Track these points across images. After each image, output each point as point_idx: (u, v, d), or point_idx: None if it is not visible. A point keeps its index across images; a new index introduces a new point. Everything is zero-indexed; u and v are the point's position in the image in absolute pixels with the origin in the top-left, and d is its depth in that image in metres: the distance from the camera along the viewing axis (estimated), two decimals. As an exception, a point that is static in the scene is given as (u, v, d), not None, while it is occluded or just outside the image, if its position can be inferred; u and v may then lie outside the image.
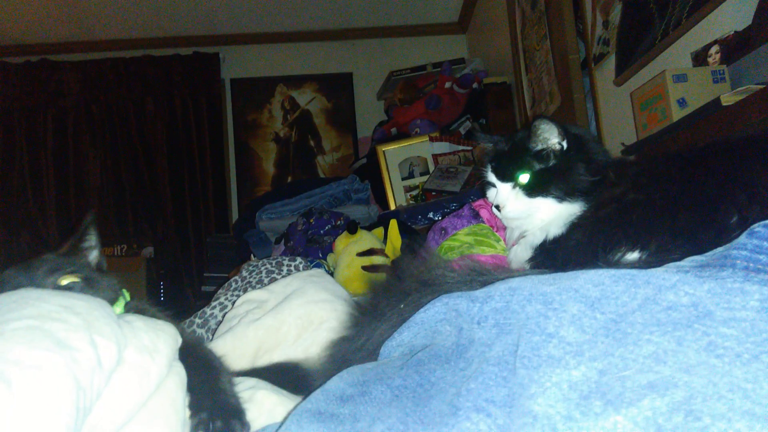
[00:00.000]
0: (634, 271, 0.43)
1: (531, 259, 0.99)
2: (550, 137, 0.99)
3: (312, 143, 4.33)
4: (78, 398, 0.46)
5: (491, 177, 1.05)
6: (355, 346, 0.78)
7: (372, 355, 0.71)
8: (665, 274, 0.42)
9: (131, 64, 4.15)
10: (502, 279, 0.63)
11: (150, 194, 4.06)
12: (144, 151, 4.08)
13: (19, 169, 4.03)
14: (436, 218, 2.23)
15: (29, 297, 0.54)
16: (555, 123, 0.99)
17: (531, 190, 0.99)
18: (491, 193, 1.07)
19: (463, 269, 0.74)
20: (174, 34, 4.16)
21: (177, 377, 0.64)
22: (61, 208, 4.01)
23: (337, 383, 0.61)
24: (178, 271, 3.93)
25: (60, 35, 4.07)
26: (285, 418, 0.57)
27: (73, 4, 3.72)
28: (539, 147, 1.00)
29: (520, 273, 0.79)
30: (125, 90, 4.12)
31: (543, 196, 0.98)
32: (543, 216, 0.99)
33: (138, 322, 0.60)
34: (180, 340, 0.63)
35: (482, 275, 0.71)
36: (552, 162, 0.99)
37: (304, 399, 0.61)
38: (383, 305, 0.78)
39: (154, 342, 0.58)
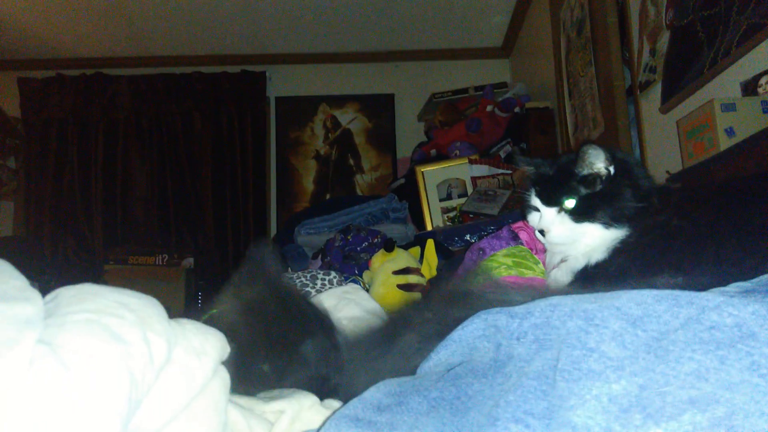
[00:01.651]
0: (677, 292, 0.44)
1: (571, 284, 0.98)
2: (597, 162, 0.99)
3: (351, 162, 4.38)
4: (131, 390, 0.48)
5: (535, 201, 1.05)
6: (381, 353, 0.79)
7: (399, 361, 0.72)
8: (709, 296, 0.42)
9: (181, 79, 4.29)
10: (534, 295, 0.64)
11: (193, 206, 4.16)
12: (189, 165, 4.20)
13: (70, 177, 4.18)
14: (473, 240, 2.23)
15: (87, 292, 0.57)
16: (602, 148, 0.99)
17: (577, 215, 0.98)
18: (534, 218, 1.07)
19: (492, 286, 0.74)
20: (223, 53, 4.29)
21: (221, 381, 0.65)
22: (107, 216, 4.14)
23: (373, 393, 0.62)
24: (216, 283, 3.99)
25: (115, 50, 4.24)
26: (323, 423, 0.59)
27: (128, 21, 3.88)
28: (585, 172, 1.00)
29: (555, 291, 0.79)
30: (174, 105, 4.26)
31: (590, 221, 0.97)
32: (588, 241, 0.98)
33: (188, 324, 0.62)
34: (228, 348, 0.65)
35: (512, 293, 0.71)
36: (598, 187, 0.98)
37: (341, 406, 0.62)
38: (412, 316, 0.79)
39: (203, 344, 0.61)
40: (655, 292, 0.44)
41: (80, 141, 4.22)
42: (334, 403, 0.76)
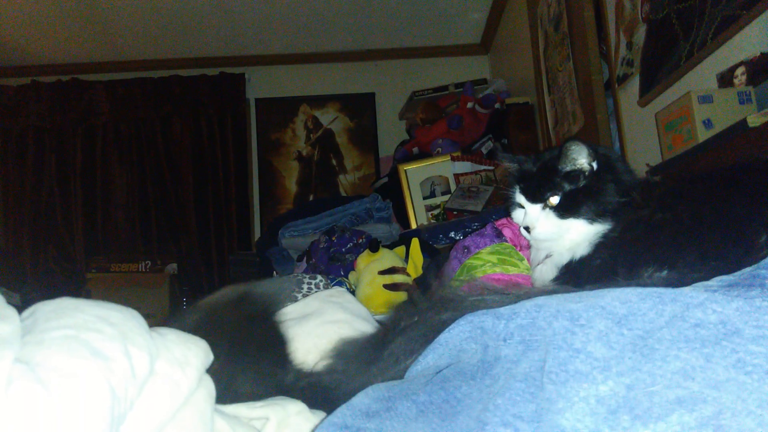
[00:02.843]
0: (661, 289, 0.44)
1: (556, 279, 0.99)
2: (580, 158, 0.99)
3: (334, 162, 4.37)
4: (113, 406, 0.47)
5: (520, 198, 1.05)
6: (371, 359, 0.78)
7: (388, 367, 0.71)
8: (693, 292, 0.42)
9: (159, 83, 4.24)
10: (519, 296, 0.64)
11: (175, 211, 4.12)
12: (170, 169, 4.16)
13: (48, 185, 4.12)
14: (458, 237, 2.23)
15: (65, 307, 0.56)
16: (585, 144, 0.99)
17: (562, 211, 0.99)
18: (518, 215, 1.07)
19: (476, 289, 0.74)
20: (201, 55, 4.25)
21: (206, 391, 0.65)
22: (87, 224, 4.09)
23: (362, 399, 0.61)
24: (200, 288, 3.97)
25: (90, 55, 4.18)
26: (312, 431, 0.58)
27: (103, 25, 3.83)
28: (568, 168, 1.00)
29: (538, 290, 0.80)
30: (153, 109, 4.21)
31: (574, 217, 0.97)
32: (573, 237, 0.99)
33: (170, 334, 0.61)
34: (211, 356, 0.64)
35: (495, 294, 0.71)
36: (582, 183, 0.99)
37: (329, 413, 0.61)
38: (400, 320, 0.78)
39: (186, 355, 0.60)
40: (639, 289, 0.44)
41: (58, 148, 4.16)
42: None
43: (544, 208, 1.01)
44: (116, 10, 3.67)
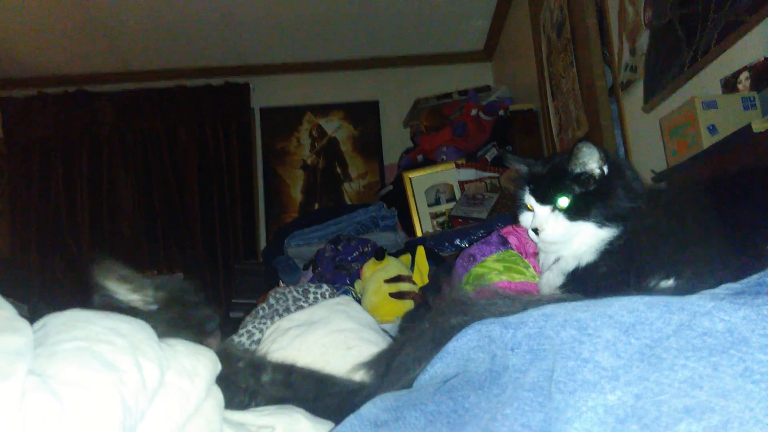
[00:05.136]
0: (668, 298, 0.44)
1: (562, 286, 0.98)
2: (591, 161, 0.99)
3: (339, 170, 4.38)
4: (125, 418, 0.47)
5: (529, 199, 1.04)
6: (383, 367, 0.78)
7: (397, 375, 0.72)
8: (700, 301, 0.42)
9: (164, 94, 4.26)
10: (529, 302, 0.64)
11: (180, 221, 4.13)
12: (175, 179, 4.17)
13: (55, 196, 4.14)
14: (463, 245, 2.24)
15: (77, 319, 0.56)
16: (597, 147, 0.99)
17: (572, 213, 0.98)
18: (526, 218, 1.06)
19: (486, 294, 0.74)
20: (206, 65, 4.27)
21: (214, 400, 0.65)
22: (94, 234, 4.11)
23: (370, 409, 0.61)
24: (206, 297, 3.96)
25: (96, 66, 4.21)
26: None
27: (108, 37, 3.86)
28: (579, 170, 0.99)
29: (547, 297, 0.80)
30: (158, 119, 4.23)
31: (584, 220, 0.97)
32: (582, 240, 0.98)
33: (179, 346, 0.62)
34: (219, 366, 0.65)
35: (505, 298, 0.71)
36: (592, 186, 0.98)
37: (337, 425, 0.61)
38: (410, 328, 0.78)
39: (195, 366, 0.60)
40: (646, 298, 0.44)
41: (64, 159, 4.18)
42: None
43: (553, 210, 1.00)
44: (122, 22, 3.70)
